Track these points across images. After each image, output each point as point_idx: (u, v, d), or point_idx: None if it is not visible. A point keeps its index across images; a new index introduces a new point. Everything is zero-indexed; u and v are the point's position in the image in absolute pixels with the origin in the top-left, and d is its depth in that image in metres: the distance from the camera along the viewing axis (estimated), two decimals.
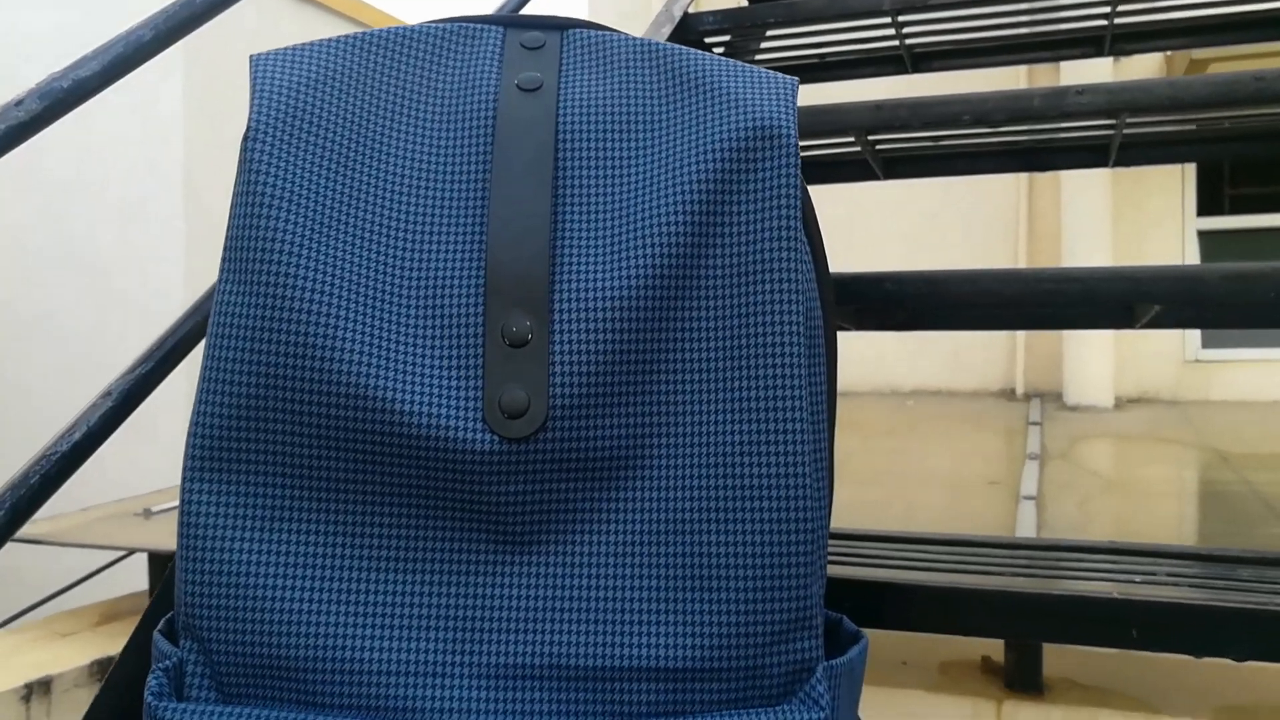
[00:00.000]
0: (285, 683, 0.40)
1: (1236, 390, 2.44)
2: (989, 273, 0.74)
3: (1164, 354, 2.46)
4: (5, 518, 0.49)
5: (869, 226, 2.68)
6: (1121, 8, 0.95)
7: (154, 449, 2.17)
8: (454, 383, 0.42)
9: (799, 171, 0.44)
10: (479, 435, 0.41)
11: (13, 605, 1.61)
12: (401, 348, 0.42)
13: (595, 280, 0.43)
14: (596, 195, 0.45)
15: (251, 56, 0.45)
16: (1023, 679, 1.16)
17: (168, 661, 0.41)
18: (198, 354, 0.56)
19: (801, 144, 1.09)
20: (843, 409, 2.57)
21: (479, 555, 0.42)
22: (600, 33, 0.50)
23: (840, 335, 2.63)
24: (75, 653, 1.34)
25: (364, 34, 0.49)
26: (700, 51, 0.49)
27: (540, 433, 0.41)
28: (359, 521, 0.42)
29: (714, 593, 0.41)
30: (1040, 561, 0.68)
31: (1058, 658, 1.25)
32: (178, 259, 2.41)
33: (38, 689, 1.21)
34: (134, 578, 1.58)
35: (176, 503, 1.65)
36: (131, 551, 1.49)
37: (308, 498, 0.42)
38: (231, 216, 0.43)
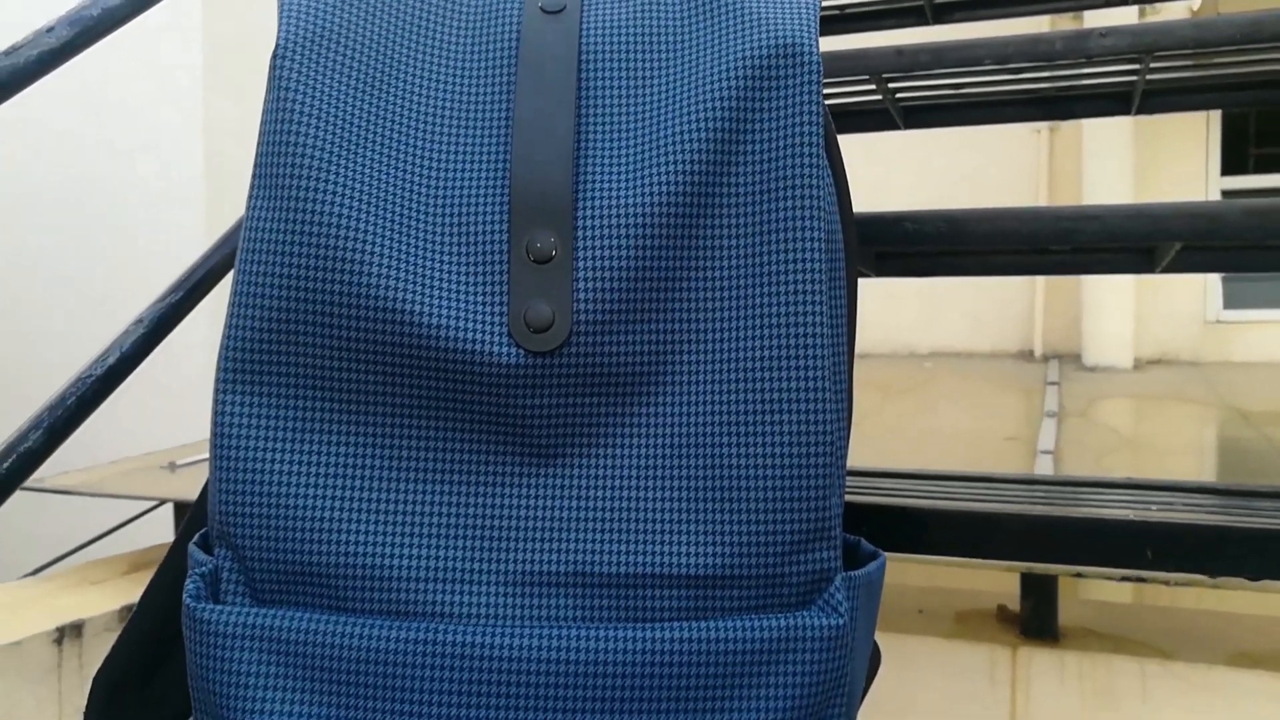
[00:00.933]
0: (316, 588, 0.42)
1: (1259, 351, 2.42)
2: (1008, 211, 0.74)
3: (1184, 315, 2.44)
4: (43, 438, 0.50)
5: (889, 186, 2.67)
6: None
7: (177, 405, 2.20)
8: (480, 298, 0.43)
9: (821, 89, 0.44)
10: (505, 349, 0.42)
11: (42, 557, 1.64)
12: (429, 263, 0.43)
13: (618, 197, 0.44)
14: (619, 114, 0.45)
15: None
16: (1039, 627, 1.17)
17: (204, 568, 0.43)
18: (223, 291, 0.57)
19: (825, 93, 1.08)
20: (861, 370, 2.57)
21: (505, 466, 0.43)
22: None
23: (858, 296, 2.63)
24: (105, 598, 1.36)
25: None
26: None
27: (564, 347, 0.42)
28: (388, 432, 0.43)
29: (735, 503, 0.42)
30: (1058, 494, 0.68)
31: (1074, 607, 1.26)
32: (197, 200, 2.42)
33: (70, 631, 1.23)
34: (160, 530, 1.61)
35: (201, 456, 1.68)
36: (160, 503, 1.51)
37: (338, 409, 0.43)
38: (261, 134, 0.44)
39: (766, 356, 0.43)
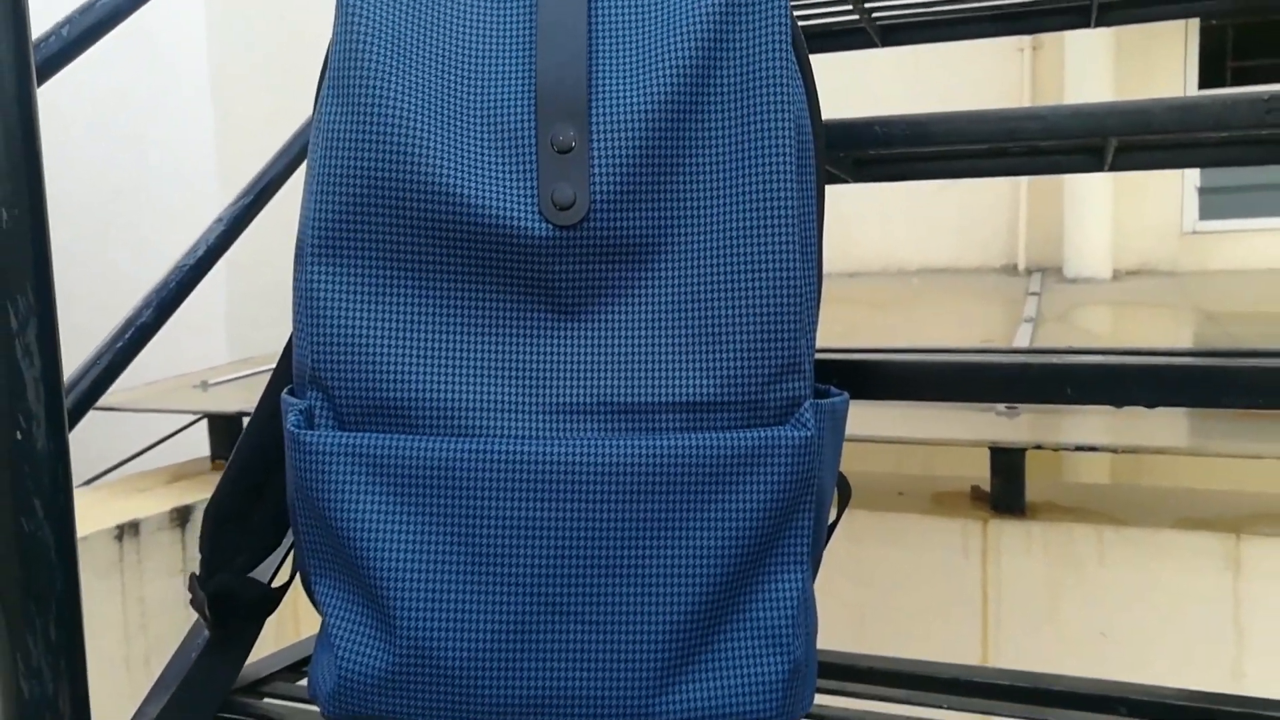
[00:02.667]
0: (391, 417, 0.53)
1: (1235, 259, 2.52)
2: (963, 113, 0.83)
3: (1162, 227, 2.54)
4: (153, 314, 0.61)
5: (869, 97, 2.73)
6: None
7: (202, 336, 2.30)
8: (515, 182, 0.53)
9: (787, 8, 0.54)
10: (536, 224, 0.52)
11: (90, 470, 1.76)
12: (474, 154, 0.53)
13: (625, 98, 0.53)
14: (623, 30, 0.55)
15: None
16: (1007, 503, 1.29)
17: (301, 405, 0.54)
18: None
19: (802, 13, 1.17)
20: (851, 287, 2.67)
21: (539, 320, 0.54)
22: None
23: (849, 218, 2.69)
24: (155, 502, 1.49)
25: None
26: None
27: (584, 222, 0.53)
28: (445, 293, 0.53)
29: (724, 344, 0.53)
30: (1000, 356, 0.79)
31: (1041, 486, 1.38)
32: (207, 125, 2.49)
33: (128, 530, 1.36)
34: (196, 445, 1.72)
35: (232, 376, 1.78)
36: (199, 417, 1.62)
37: (405, 275, 0.53)
38: (332, 51, 0.54)
39: (747, 227, 0.53)
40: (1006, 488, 1.28)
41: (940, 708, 0.61)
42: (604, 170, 0.53)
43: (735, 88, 0.54)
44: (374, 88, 0.52)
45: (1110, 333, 1.89)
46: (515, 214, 0.52)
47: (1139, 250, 2.57)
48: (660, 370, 0.53)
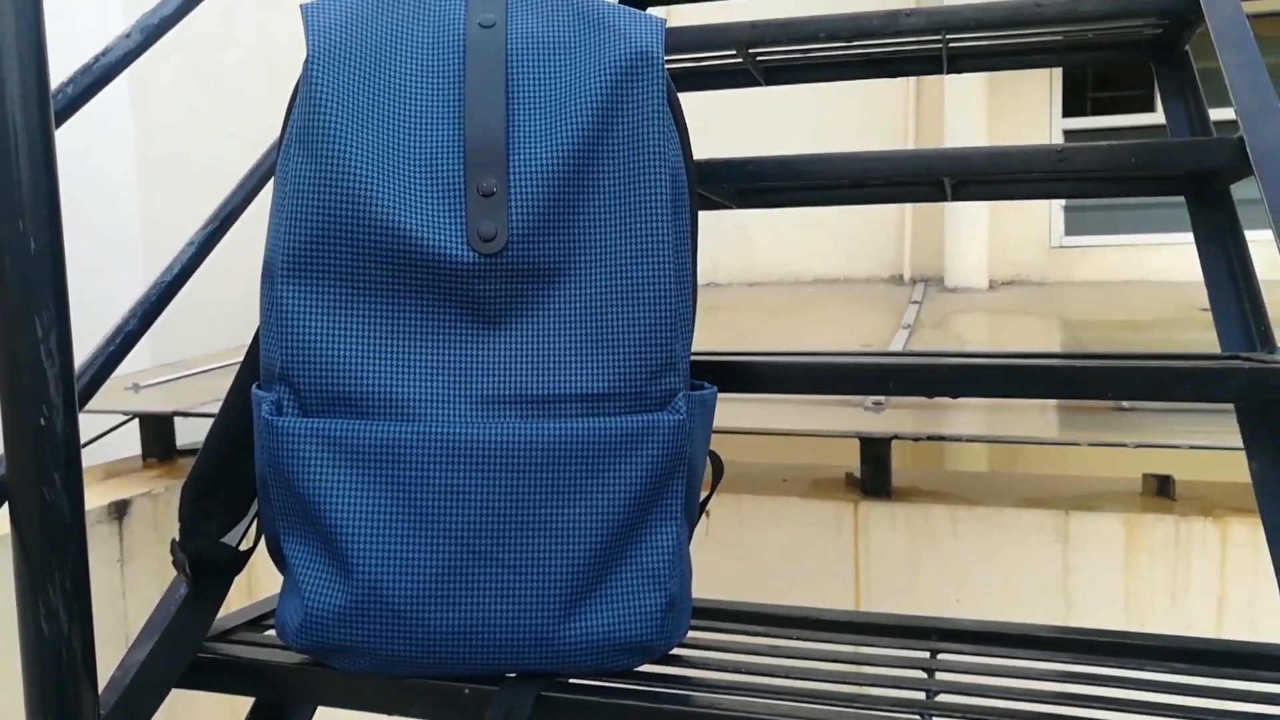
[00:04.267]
0: (346, 406, 0.65)
1: (1096, 272, 2.77)
2: (824, 155, 0.99)
3: (1032, 241, 2.78)
4: (138, 323, 0.72)
5: (775, 131, 2.92)
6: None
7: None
8: (448, 220, 0.66)
9: (665, 81, 0.69)
10: (465, 253, 0.66)
11: None
12: (415, 197, 0.66)
13: (536, 154, 0.67)
14: (534, 96, 0.69)
15: (302, 5, 0.68)
16: (875, 487, 1.47)
17: (271, 397, 0.66)
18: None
19: (694, 56, 1.32)
20: (750, 296, 2.85)
21: (467, 329, 0.67)
22: None
23: (747, 233, 2.87)
24: (93, 497, 1.57)
25: None
26: (601, 0, 0.72)
27: (504, 251, 0.66)
28: (391, 307, 0.66)
29: (614, 348, 0.67)
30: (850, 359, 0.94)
31: (905, 475, 1.56)
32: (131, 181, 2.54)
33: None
34: (127, 443, 1.80)
35: (160, 379, 1.86)
36: (130, 417, 1.70)
37: (358, 293, 0.66)
38: (296, 113, 0.66)
39: (632, 256, 0.67)
40: (874, 474, 1.45)
41: (788, 640, 0.76)
42: (520, 210, 0.67)
43: (624, 145, 0.68)
44: (333, 143, 0.65)
45: (977, 337, 2.09)
46: (448, 245, 0.66)
47: (1013, 262, 2.80)
48: (564, 369, 0.67)
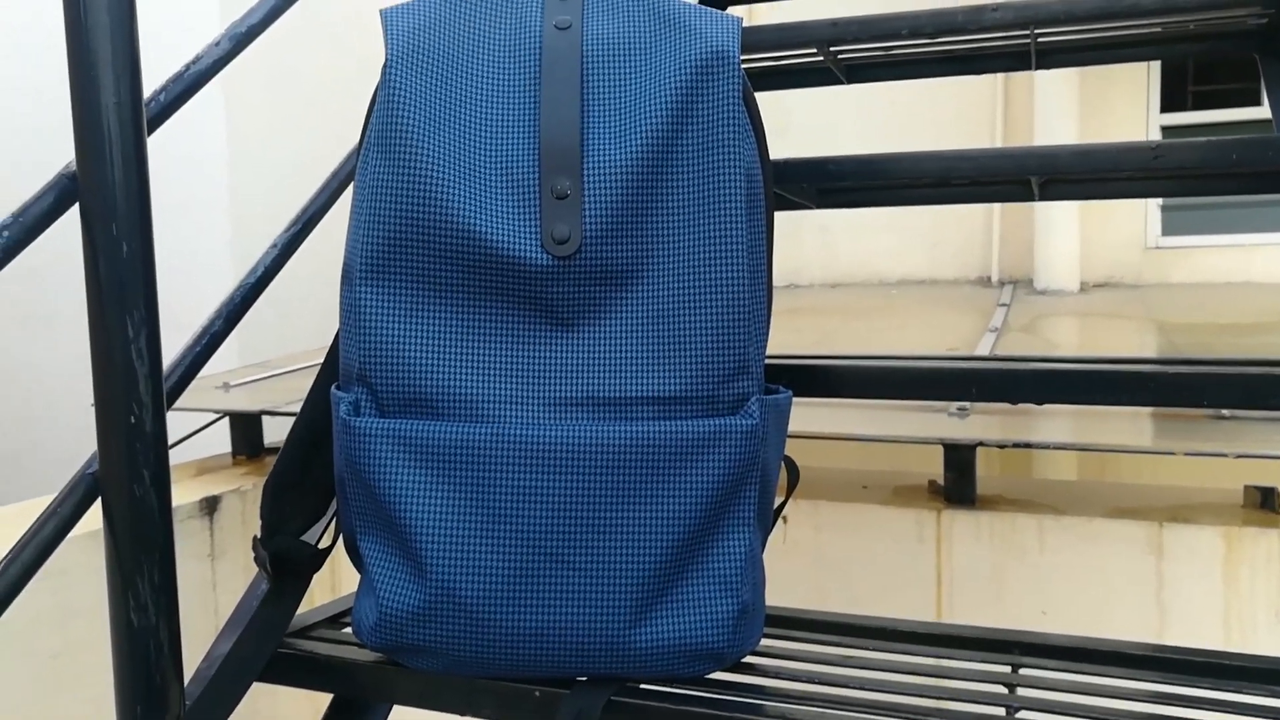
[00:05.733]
0: (422, 407, 0.66)
1: (1196, 274, 2.67)
2: (906, 154, 0.97)
3: (1127, 241, 2.68)
4: (223, 324, 0.74)
5: (857, 130, 2.89)
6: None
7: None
8: (523, 222, 0.67)
9: (740, 81, 0.68)
10: (539, 255, 0.66)
11: None
12: (490, 200, 0.67)
13: (610, 154, 0.67)
14: (609, 98, 0.69)
15: (382, 10, 0.69)
16: (959, 495, 1.43)
17: (349, 397, 0.67)
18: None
19: (774, 55, 1.31)
20: (833, 298, 2.81)
21: (541, 331, 0.68)
22: None
23: (829, 233, 2.84)
24: (185, 493, 1.62)
25: None
26: (678, 0, 0.72)
27: (577, 254, 0.66)
28: (466, 309, 0.67)
29: (687, 351, 0.67)
30: (936, 364, 0.92)
31: (991, 482, 1.52)
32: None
33: None
34: (218, 441, 1.85)
35: (249, 379, 1.91)
36: (220, 416, 1.76)
37: (435, 295, 0.67)
38: (374, 117, 0.67)
39: (705, 258, 0.67)
40: (958, 481, 1.42)
41: (865, 651, 0.74)
42: (593, 213, 0.67)
43: (698, 145, 0.67)
44: (411, 147, 0.66)
45: (1066, 341, 2.03)
46: (522, 247, 0.66)
47: (1105, 263, 2.71)
48: (636, 371, 0.67)
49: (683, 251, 0.67)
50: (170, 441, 1.97)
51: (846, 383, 0.79)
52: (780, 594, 1.56)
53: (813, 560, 1.48)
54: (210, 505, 1.57)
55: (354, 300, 0.67)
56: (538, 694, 0.65)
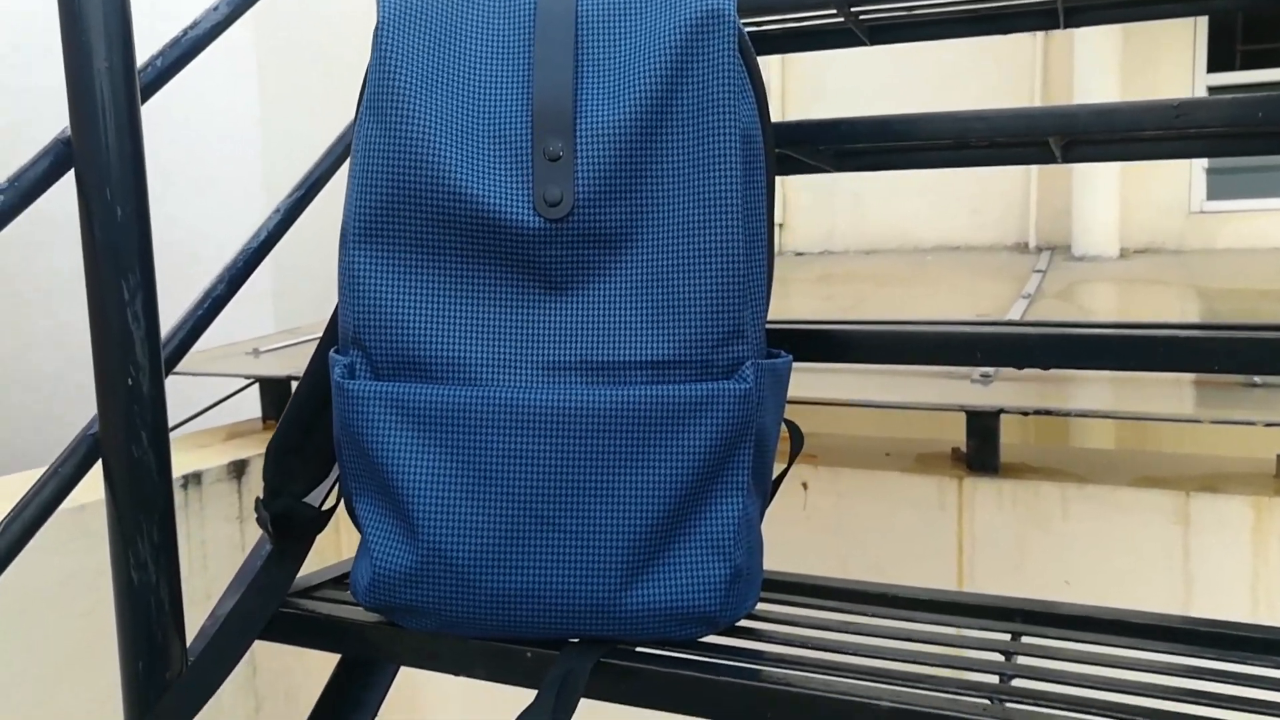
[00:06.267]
0: (415, 370, 0.66)
1: (1242, 239, 2.59)
2: (922, 115, 0.94)
3: (1170, 206, 2.61)
4: (225, 288, 0.75)
5: (894, 91, 2.84)
6: None
7: (253, 307, 2.48)
8: (514, 184, 0.66)
9: (735, 39, 0.66)
10: (531, 217, 0.66)
11: None
12: (481, 162, 0.66)
13: (603, 116, 0.66)
14: (603, 59, 0.68)
15: None
16: (982, 462, 1.41)
17: (344, 361, 0.67)
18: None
19: (793, 16, 1.28)
20: (866, 264, 2.78)
21: (533, 295, 0.67)
22: None
23: (862, 199, 2.80)
24: (214, 456, 1.65)
25: None
26: None
27: (569, 216, 0.66)
28: (458, 272, 0.67)
29: (681, 315, 0.66)
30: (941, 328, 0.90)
31: (1015, 450, 1.50)
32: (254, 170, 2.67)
33: (191, 480, 1.52)
34: (249, 406, 1.88)
35: (280, 345, 1.94)
36: (251, 381, 1.78)
37: (427, 258, 0.67)
38: (368, 80, 0.67)
39: (700, 222, 0.66)
40: (981, 449, 1.40)
41: (863, 617, 0.74)
42: (586, 174, 0.66)
43: (693, 108, 0.66)
44: (402, 109, 0.65)
45: (1100, 308, 1.99)
46: (514, 209, 0.66)
47: (1147, 229, 2.65)
48: (630, 335, 0.67)
49: (677, 214, 0.66)
50: (202, 407, 1.99)
51: (850, 348, 0.78)
52: (799, 560, 1.56)
53: (833, 527, 1.47)
54: (239, 469, 1.60)
55: (348, 263, 0.68)
56: (529, 655, 0.66)
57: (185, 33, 0.72)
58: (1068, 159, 1.07)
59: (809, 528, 1.48)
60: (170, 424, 1.95)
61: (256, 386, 1.85)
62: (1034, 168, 2.75)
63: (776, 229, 3.19)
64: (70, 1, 0.61)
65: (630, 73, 0.67)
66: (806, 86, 2.91)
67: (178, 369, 1.79)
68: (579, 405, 0.64)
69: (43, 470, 0.65)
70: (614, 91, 0.67)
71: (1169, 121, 0.86)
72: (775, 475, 0.81)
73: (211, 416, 1.99)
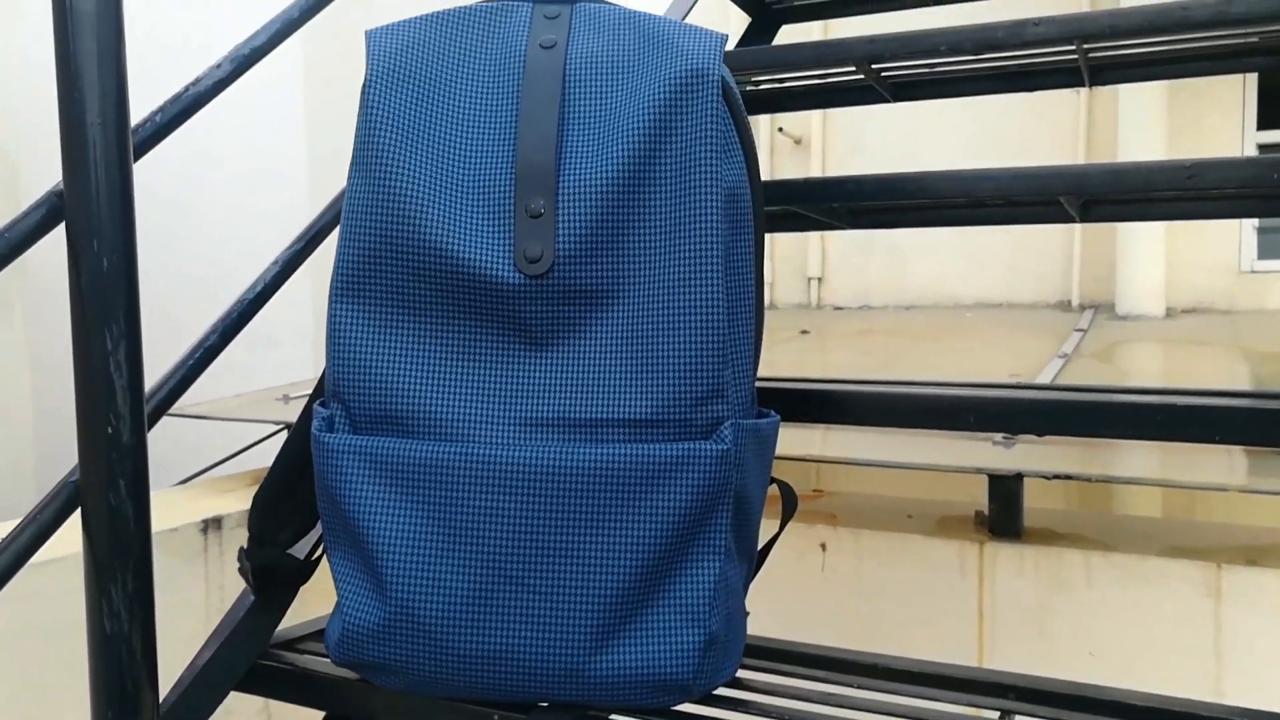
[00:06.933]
0: (393, 424, 0.66)
1: None
2: (928, 174, 0.93)
3: (1219, 265, 2.55)
4: (218, 339, 0.76)
5: (932, 142, 2.82)
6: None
7: (287, 353, 2.51)
8: (496, 241, 0.66)
9: (719, 98, 0.66)
10: (512, 274, 0.66)
11: (183, 472, 1.96)
12: (463, 218, 0.66)
13: (585, 173, 0.66)
14: (588, 116, 0.68)
15: (366, 31, 0.70)
16: (1004, 527, 1.37)
17: (323, 414, 0.68)
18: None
19: (816, 73, 1.28)
20: (903, 320, 2.75)
21: (512, 350, 0.67)
22: (599, 5, 0.73)
23: (900, 254, 2.77)
24: (236, 501, 1.66)
25: (441, 11, 0.72)
26: (666, 18, 0.71)
27: (549, 273, 0.66)
28: (438, 328, 0.67)
29: (659, 374, 0.65)
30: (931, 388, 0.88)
31: (1039, 515, 1.46)
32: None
33: (212, 524, 1.54)
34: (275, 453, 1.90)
35: (309, 391, 1.95)
36: (280, 427, 1.80)
37: (407, 313, 0.67)
38: (356, 136, 0.68)
39: (680, 281, 0.65)
40: (1003, 512, 1.36)
41: (846, 688, 0.71)
42: (567, 231, 0.66)
43: (675, 166, 0.66)
44: (386, 165, 0.66)
45: (1140, 369, 1.93)
46: (494, 266, 0.66)
47: (1194, 287, 2.58)
48: (608, 393, 0.66)
49: (657, 272, 0.66)
50: (230, 452, 2.02)
51: (844, 409, 0.77)
52: (815, 622, 1.52)
53: (852, 590, 1.44)
54: None
55: (330, 317, 0.68)
56: (496, 718, 0.64)
57: (187, 89, 0.74)
58: (1086, 219, 1.05)
59: (827, 589, 1.45)
60: (197, 470, 1.97)
61: (285, 432, 1.87)
62: (1076, 226, 2.71)
63: (814, 283, 3.17)
64: (66, 58, 0.63)
65: (614, 131, 0.67)
66: (845, 141, 2.91)
67: (207, 414, 1.81)
68: (553, 463, 0.64)
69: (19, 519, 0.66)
70: (597, 149, 0.67)
71: (1180, 182, 0.84)
72: (769, 538, 0.79)
73: (242, 461, 2.01)
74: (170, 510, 1.53)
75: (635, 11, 0.72)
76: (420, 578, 0.64)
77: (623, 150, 0.66)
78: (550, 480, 0.64)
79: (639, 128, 0.66)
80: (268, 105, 2.76)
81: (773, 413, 0.74)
